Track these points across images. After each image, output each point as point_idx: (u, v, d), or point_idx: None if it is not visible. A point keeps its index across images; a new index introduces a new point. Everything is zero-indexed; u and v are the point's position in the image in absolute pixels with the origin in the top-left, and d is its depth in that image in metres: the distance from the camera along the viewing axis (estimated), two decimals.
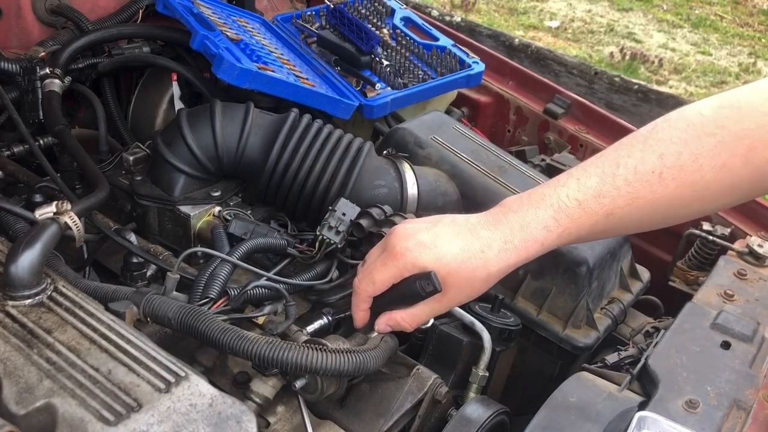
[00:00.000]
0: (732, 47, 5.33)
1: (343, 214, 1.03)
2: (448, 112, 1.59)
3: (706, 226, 1.36)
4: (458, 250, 0.82)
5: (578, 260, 1.12)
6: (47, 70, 1.26)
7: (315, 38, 1.54)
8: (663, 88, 4.24)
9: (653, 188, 0.81)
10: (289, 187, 1.16)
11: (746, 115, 0.79)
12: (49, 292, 0.78)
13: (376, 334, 0.88)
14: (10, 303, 0.76)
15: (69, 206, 0.89)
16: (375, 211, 1.05)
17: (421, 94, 1.47)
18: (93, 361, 0.70)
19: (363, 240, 1.04)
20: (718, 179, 0.80)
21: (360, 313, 0.89)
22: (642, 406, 0.87)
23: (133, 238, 1.07)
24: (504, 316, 1.05)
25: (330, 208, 1.05)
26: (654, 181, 0.81)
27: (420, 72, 1.50)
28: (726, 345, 0.98)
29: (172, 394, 0.68)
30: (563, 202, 0.82)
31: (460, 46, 1.59)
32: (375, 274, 0.84)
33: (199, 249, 1.02)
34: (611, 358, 1.04)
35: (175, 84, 1.37)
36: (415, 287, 0.82)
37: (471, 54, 1.57)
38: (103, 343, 0.73)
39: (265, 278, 0.98)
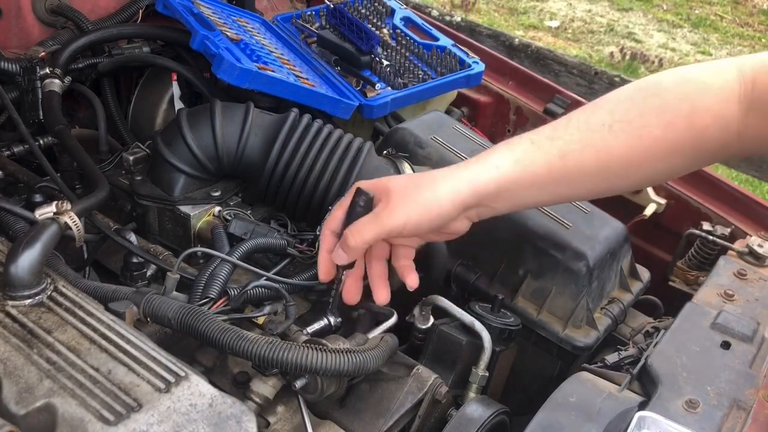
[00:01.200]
0: (732, 47, 5.33)
1: None
2: (448, 112, 1.59)
3: (706, 226, 1.36)
4: (407, 176, 0.94)
5: (578, 260, 1.12)
6: (47, 70, 1.26)
7: (315, 38, 1.54)
8: None
9: (605, 138, 0.86)
10: (289, 187, 1.16)
11: (688, 81, 0.87)
12: (49, 292, 0.78)
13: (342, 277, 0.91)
14: (10, 303, 0.76)
15: (69, 206, 0.89)
16: None
17: (421, 94, 1.47)
18: (93, 361, 0.71)
19: None
20: (665, 138, 0.86)
21: (323, 261, 0.91)
22: (642, 406, 0.87)
23: (133, 238, 1.07)
24: (504, 316, 1.05)
25: (330, 208, 1.05)
26: (605, 132, 0.86)
27: (420, 72, 1.50)
28: (726, 345, 0.98)
29: (172, 394, 0.68)
30: (516, 141, 0.89)
31: (460, 46, 1.59)
32: (334, 211, 0.91)
33: (199, 249, 1.02)
34: (611, 358, 1.04)
35: (175, 84, 1.38)
36: (354, 206, 0.87)
37: (471, 54, 1.57)
38: (103, 343, 0.73)
39: (264, 278, 0.98)
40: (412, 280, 0.92)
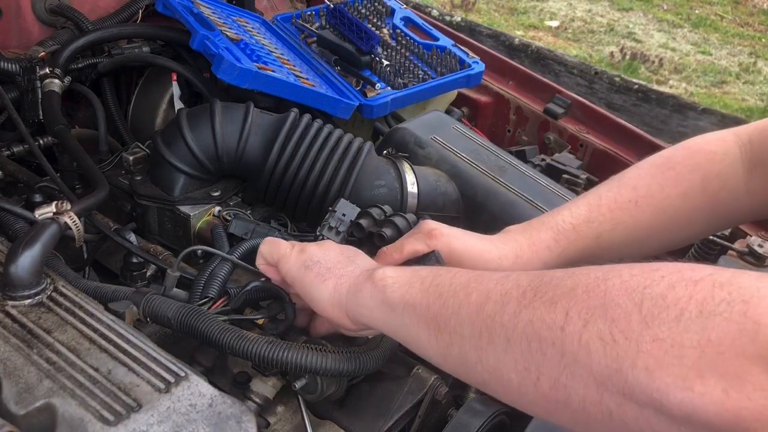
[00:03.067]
0: (732, 47, 5.33)
1: (343, 215, 1.03)
2: (448, 112, 1.59)
3: None
4: (482, 247, 0.91)
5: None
6: (47, 70, 1.26)
7: (315, 38, 1.54)
8: (663, 88, 4.24)
9: (632, 214, 0.94)
10: (289, 186, 1.16)
11: (696, 153, 0.96)
12: (48, 292, 0.78)
13: None
14: (10, 303, 0.76)
15: (69, 206, 0.89)
16: (375, 211, 1.05)
17: (421, 94, 1.47)
18: (93, 361, 0.70)
19: (363, 240, 1.04)
20: (684, 206, 0.94)
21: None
22: None
23: (132, 238, 1.07)
24: None
25: (330, 208, 1.05)
26: (632, 208, 0.94)
27: (420, 72, 1.50)
28: None
29: (171, 394, 0.68)
30: (560, 226, 0.93)
31: (460, 46, 1.59)
32: (405, 243, 0.90)
33: (199, 248, 1.02)
34: None
35: (175, 84, 1.37)
36: (423, 260, 0.87)
37: (471, 54, 1.57)
38: (103, 343, 0.73)
39: (264, 278, 0.98)
40: None
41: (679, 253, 1.39)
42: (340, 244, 0.86)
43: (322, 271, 0.80)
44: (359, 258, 0.83)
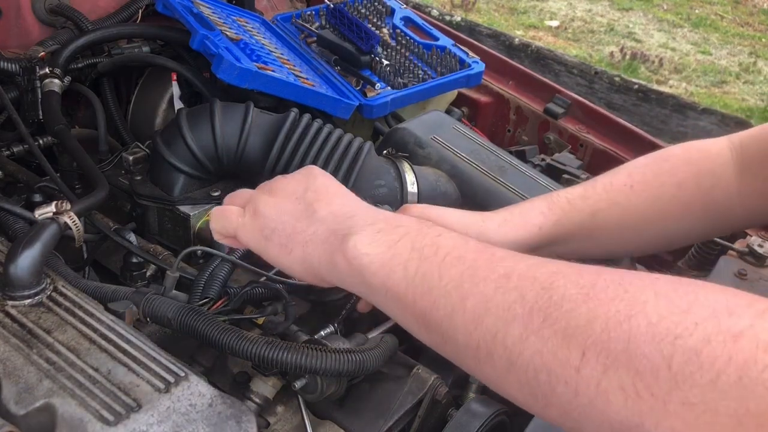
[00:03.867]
0: (732, 47, 5.33)
1: None
2: (448, 111, 1.59)
3: None
4: (460, 215, 0.91)
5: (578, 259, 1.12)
6: (47, 70, 1.26)
7: (315, 38, 1.54)
8: (663, 88, 4.24)
9: (628, 197, 0.95)
10: None
11: (691, 149, 0.99)
12: (48, 292, 0.78)
13: None
14: (10, 303, 0.76)
15: (68, 206, 0.89)
16: None
17: (421, 93, 1.47)
18: (92, 361, 0.70)
19: None
20: (678, 197, 0.96)
21: None
22: None
23: (132, 238, 1.07)
24: None
25: None
26: (627, 191, 0.96)
27: (420, 72, 1.50)
28: None
29: (171, 395, 0.68)
30: (554, 198, 0.96)
31: (460, 46, 1.59)
32: None
33: (199, 248, 1.02)
34: None
35: (174, 84, 1.37)
36: None
37: (471, 54, 1.57)
38: (103, 343, 0.73)
39: (264, 278, 0.98)
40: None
41: (678, 254, 1.39)
42: (293, 195, 0.73)
43: (283, 240, 0.70)
44: (315, 206, 0.70)
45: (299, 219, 0.70)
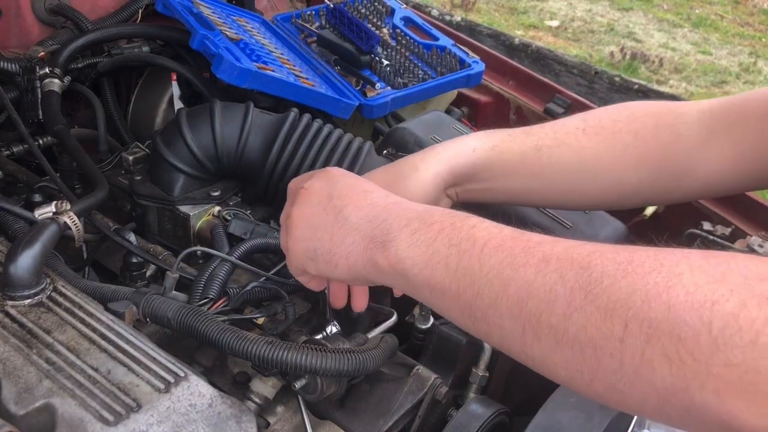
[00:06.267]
0: (732, 47, 5.33)
1: None
2: (448, 111, 1.59)
3: (707, 225, 1.36)
4: (386, 169, 0.92)
5: None
6: (46, 70, 1.26)
7: (315, 38, 1.54)
8: (663, 88, 4.25)
9: (578, 139, 0.91)
10: None
11: (654, 104, 0.96)
12: (48, 292, 0.78)
13: None
14: (10, 303, 0.76)
15: (68, 206, 0.89)
16: None
17: (421, 93, 1.47)
18: (92, 361, 0.70)
19: None
20: (635, 145, 0.91)
21: None
22: None
23: (132, 238, 1.07)
24: None
25: None
26: (579, 134, 0.91)
27: (420, 72, 1.50)
28: None
29: (171, 395, 0.68)
30: (493, 131, 0.93)
31: (460, 46, 1.59)
32: None
33: (199, 249, 1.02)
34: None
35: (174, 84, 1.37)
36: None
37: (471, 54, 1.57)
38: (103, 343, 0.73)
39: (264, 278, 0.98)
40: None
41: None
42: (319, 206, 0.75)
43: (327, 257, 0.72)
44: (345, 213, 0.72)
45: (334, 232, 0.72)
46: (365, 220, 0.70)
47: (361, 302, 0.89)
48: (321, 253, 0.73)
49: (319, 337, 0.89)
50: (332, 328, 0.91)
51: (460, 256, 0.62)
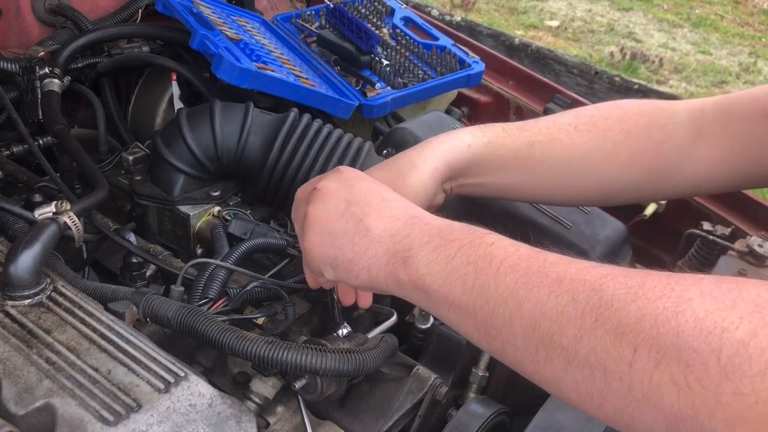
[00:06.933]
0: (732, 47, 5.33)
1: None
2: (448, 111, 1.59)
3: (707, 225, 1.36)
4: (384, 166, 0.92)
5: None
6: (46, 70, 1.26)
7: (315, 38, 1.54)
8: (663, 88, 4.25)
9: (570, 135, 0.92)
10: (288, 186, 1.16)
11: (646, 104, 0.96)
12: (48, 292, 0.78)
13: None
14: (10, 303, 0.76)
15: (68, 206, 0.89)
16: None
17: (421, 93, 1.47)
18: (92, 361, 0.70)
19: None
20: (626, 143, 0.92)
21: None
22: None
23: (132, 238, 1.07)
24: None
25: None
26: (571, 130, 0.92)
27: (420, 72, 1.50)
28: None
29: (171, 395, 0.68)
30: (488, 126, 0.93)
31: (460, 46, 1.59)
32: None
33: (201, 260, 1.01)
34: None
35: (174, 84, 1.37)
36: None
37: (471, 54, 1.57)
38: (103, 343, 0.73)
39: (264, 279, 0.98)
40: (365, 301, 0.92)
41: (678, 254, 1.39)
42: (337, 211, 0.75)
43: (347, 266, 0.73)
44: (366, 223, 0.72)
45: (355, 241, 0.72)
46: (387, 234, 0.71)
47: (366, 300, 0.89)
48: (341, 261, 0.73)
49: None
50: (343, 330, 0.92)
51: (477, 274, 0.62)
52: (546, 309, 0.56)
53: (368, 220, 0.72)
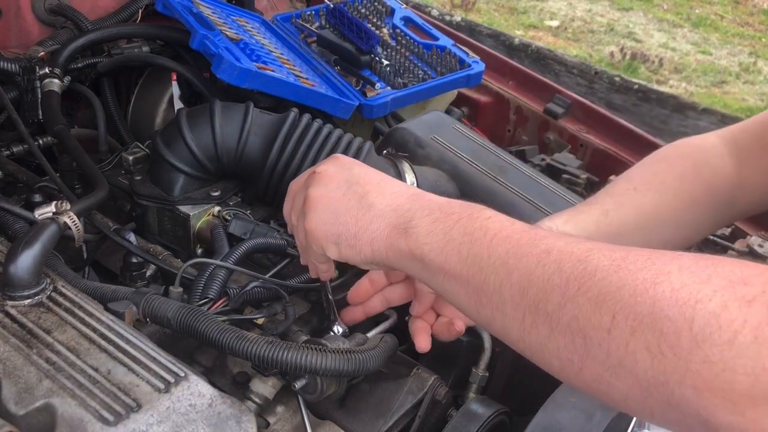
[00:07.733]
0: (732, 47, 5.33)
1: None
2: (448, 111, 1.59)
3: None
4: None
5: None
6: (46, 70, 1.26)
7: (315, 38, 1.54)
8: (663, 88, 4.24)
9: (633, 197, 0.94)
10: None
11: (684, 146, 0.99)
12: (48, 292, 0.78)
13: None
14: (10, 303, 0.76)
15: (68, 206, 0.89)
16: None
17: (421, 93, 1.47)
18: (92, 361, 0.70)
19: None
20: (682, 188, 0.95)
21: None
22: None
23: (132, 238, 1.07)
24: None
25: None
26: (632, 193, 0.94)
27: (420, 72, 1.50)
28: None
29: (171, 395, 0.68)
30: (557, 213, 0.93)
31: (460, 46, 1.59)
32: None
33: (199, 260, 1.01)
34: None
35: (174, 84, 1.37)
36: None
37: (471, 54, 1.57)
38: (103, 343, 0.73)
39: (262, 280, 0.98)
40: (424, 342, 0.92)
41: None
42: (339, 190, 0.77)
43: (351, 242, 0.75)
44: (369, 199, 0.74)
45: (358, 217, 0.75)
46: (390, 208, 0.73)
47: (424, 342, 0.91)
48: (345, 237, 0.75)
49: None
50: (339, 328, 0.92)
51: (472, 244, 0.65)
52: (533, 277, 0.59)
53: (370, 197, 0.75)
